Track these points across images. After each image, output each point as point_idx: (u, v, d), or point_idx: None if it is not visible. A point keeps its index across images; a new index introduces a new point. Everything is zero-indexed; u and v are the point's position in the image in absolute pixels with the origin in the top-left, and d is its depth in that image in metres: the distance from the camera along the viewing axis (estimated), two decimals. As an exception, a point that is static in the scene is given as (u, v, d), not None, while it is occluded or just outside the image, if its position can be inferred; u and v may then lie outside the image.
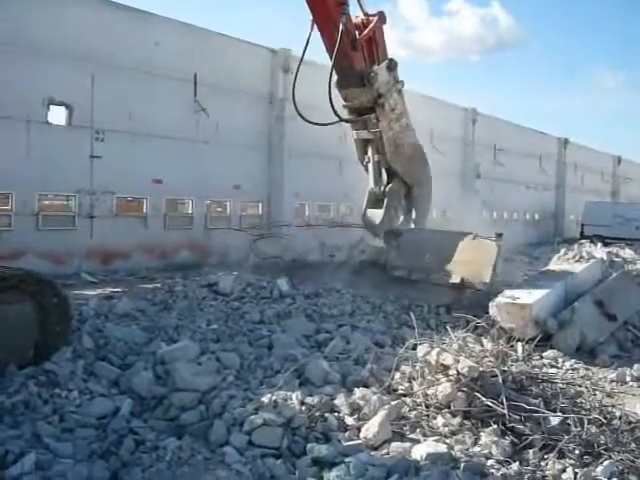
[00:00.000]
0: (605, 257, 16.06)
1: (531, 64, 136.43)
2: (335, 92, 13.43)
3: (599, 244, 22.38)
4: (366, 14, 13.95)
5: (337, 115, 13.37)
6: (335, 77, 13.39)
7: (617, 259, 17.33)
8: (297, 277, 14.14)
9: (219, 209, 22.25)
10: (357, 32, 13.52)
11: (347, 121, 14.26)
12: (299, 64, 13.48)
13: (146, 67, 18.74)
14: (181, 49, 19.70)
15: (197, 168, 20.09)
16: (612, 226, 33.11)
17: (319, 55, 13.83)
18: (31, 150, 16.25)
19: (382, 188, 14.62)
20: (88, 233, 17.71)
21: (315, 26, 13.05)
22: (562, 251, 17.19)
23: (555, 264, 14.34)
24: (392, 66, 14.09)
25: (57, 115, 17.21)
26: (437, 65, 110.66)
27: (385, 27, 14.30)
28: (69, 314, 7.86)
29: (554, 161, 44.44)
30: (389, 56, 14.27)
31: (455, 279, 12.81)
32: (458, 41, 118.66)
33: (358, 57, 13.49)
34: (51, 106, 16.95)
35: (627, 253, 21.01)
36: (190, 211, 20.91)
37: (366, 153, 14.69)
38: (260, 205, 23.31)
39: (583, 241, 24.54)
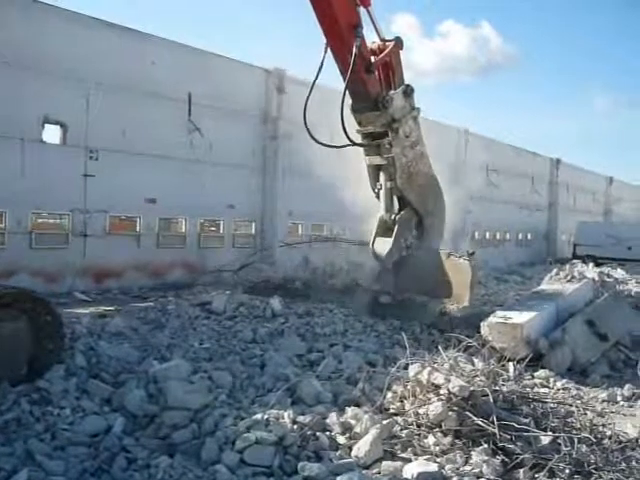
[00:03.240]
0: (597, 277, 16.17)
1: (522, 84, 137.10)
2: (347, 116, 12.96)
3: (591, 264, 22.46)
4: (383, 39, 13.60)
5: (349, 139, 12.89)
6: (349, 101, 13.08)
7: (609, 279, 17.44)
8: (289, 297, 14.21)
9: (212, 228, 22.24)
10: (373, 57, 13.24)
11: (359, 145, 13.72)
12: (312, 84, 13.03)
13: (141, 86, 18.78)
14: (176, 69, 19.73)
15: (191, 187, 20.07)
16: (604, 246, 33.08)
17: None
18: (25, 168, 16.18)
19: (393, 216, 14.12)
20: (81, 251, 17.63)
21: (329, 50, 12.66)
22: (554, 271, 17.22)
23: (547, 284, 14.39)
24: (408, 92, 13.72)
25: (52, 134, 17.22)
26: (430, 86, 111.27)
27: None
28: (62, 332, 7.87)
29: (546, 181, 44.48)
30: (406, 82, 13.88)
31: (435, 305, 12.93)
32: (451, 62, 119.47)
33: (373, 81, 13.18)
34: (46, 125, 16.95)
35: (619, 273, 21.13)
36: (183, 230, 20.91)
37: (378, 180, 14.22)
38: (253, 224, 23.30)
39: (575, 261, 24.66)
